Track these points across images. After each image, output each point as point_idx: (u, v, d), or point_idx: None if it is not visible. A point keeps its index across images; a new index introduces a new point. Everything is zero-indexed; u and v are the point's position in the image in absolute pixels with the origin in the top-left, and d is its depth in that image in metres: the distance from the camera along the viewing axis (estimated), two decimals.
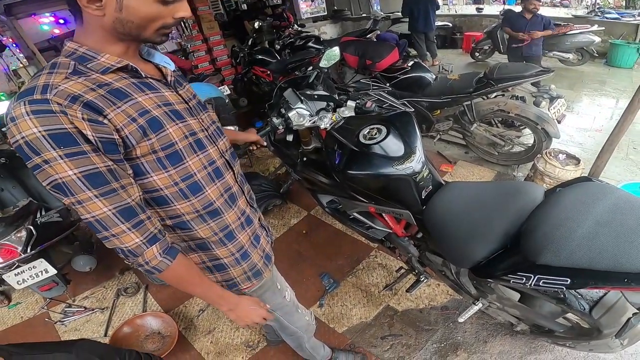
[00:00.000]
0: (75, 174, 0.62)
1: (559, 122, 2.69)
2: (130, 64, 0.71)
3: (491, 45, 5.60)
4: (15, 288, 1.93)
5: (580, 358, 1.61)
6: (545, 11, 5.96)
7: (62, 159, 0.60)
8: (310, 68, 1.90)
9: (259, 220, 1.06)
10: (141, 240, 0.70)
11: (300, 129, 1.58)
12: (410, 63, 3.08)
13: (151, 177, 0.74)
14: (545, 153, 2.50)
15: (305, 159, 1.74)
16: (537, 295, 1.23)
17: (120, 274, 2.43)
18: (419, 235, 1.56)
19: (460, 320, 1.47)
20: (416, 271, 1.72)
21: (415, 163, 1.30)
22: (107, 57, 0.68)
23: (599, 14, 6.14)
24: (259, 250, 1.03)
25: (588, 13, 6.45)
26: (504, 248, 1.09)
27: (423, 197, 1.35)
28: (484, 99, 2.85)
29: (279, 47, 4.59)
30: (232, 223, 0.91)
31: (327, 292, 2.10)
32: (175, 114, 0.76)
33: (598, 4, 7.30)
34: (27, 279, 1.90)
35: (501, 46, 5.09)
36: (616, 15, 5.86)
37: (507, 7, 6.73)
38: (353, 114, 1.58)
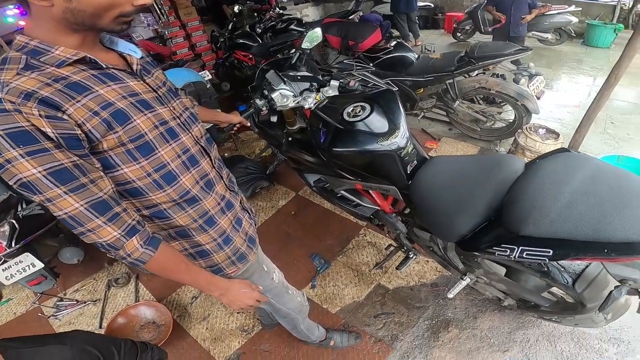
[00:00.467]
0: (39, 171, 0.60)
1: (538, 98, 2.75)
2: (88, 55, 0.67)
3: (472, 25, 5.61)
4: (4, 284, 1.91)
5: (566, 333, 1.66)
6: None
7: (24, 157, 0.58)
8: (293, 50, 1.87)
9: (240, 203, 1.04)
10: (119, 233, 0.69)
11: (284, 110, 1.58)
12: (393, 43, 3.11)
13: (122, 169, 0.72)
14: (526, 128, 2.57)
15: (290, 139, 1.74)
16: (522, 269, 1.25)
17: (109, 265, 2.41)
18: (407, 211, 1.59)
19: (450, 295, 1.48)
20: (405, 248, 1.76)
21: (400, 139, 1.32)
22: (62, 50, 0.64)
23: None
24: (242, 233, 1.01)
25: None
26: (488, 221, 1.10)
27: (408, 172, 1.37)
28: (465, 77, 2.90)
29: (260, 30, 4.48)
30: (211, 209, 0.89)
31: (319, 272, 2.13)
32: (142, 103, 0.73)
33: None
34: (15, 274, 1.87)
35: (482, 26, 5.10)
36: None
37: None
38: (337, 93, 1.58)
